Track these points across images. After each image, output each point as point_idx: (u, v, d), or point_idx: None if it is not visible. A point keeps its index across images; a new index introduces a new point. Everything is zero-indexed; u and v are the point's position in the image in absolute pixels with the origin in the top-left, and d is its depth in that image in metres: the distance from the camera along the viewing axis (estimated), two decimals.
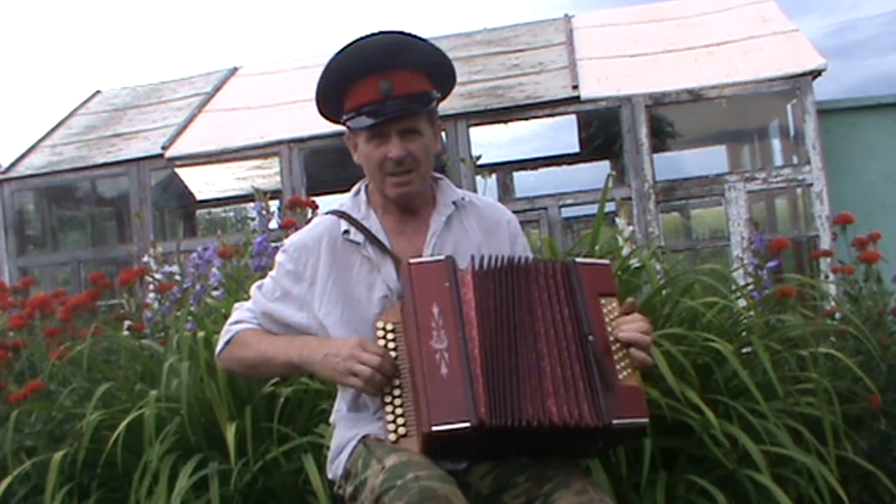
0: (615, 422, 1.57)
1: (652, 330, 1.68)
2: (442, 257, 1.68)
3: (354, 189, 1.88)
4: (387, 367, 1.64)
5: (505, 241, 1.85)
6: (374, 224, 1.80)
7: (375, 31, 1.74)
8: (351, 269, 1.78)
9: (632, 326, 1.65)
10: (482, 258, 1.68)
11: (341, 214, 1.82)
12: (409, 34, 1.76)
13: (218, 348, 1.88)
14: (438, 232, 1.80)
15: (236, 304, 1.92)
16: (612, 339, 1.64)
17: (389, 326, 1.68)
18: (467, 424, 1.53)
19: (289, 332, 1.82)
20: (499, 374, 1.58)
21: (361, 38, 1.74)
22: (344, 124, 1.80)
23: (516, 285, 1.66)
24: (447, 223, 1.82)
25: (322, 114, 1.85)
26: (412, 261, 1.68)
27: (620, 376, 1.62)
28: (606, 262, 1.78)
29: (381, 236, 1.79)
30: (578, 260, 1.71)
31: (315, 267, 1.79)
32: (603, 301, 1.68)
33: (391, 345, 1.67)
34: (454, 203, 1.84)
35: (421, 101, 1.74)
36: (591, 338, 1.62)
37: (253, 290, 1.89)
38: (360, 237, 1.78)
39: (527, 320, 1.64)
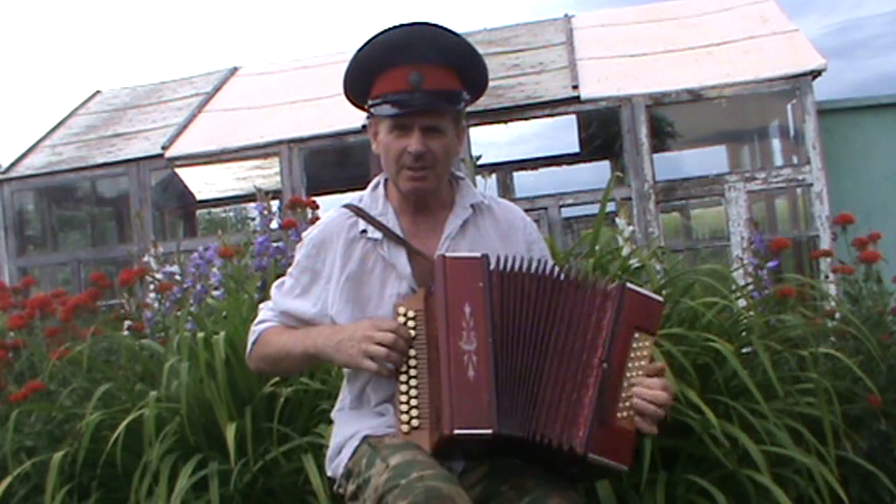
0: (591, 456, 1.53)
1: (670, 399, 1.60)
2: (478, 255, 1.64)
3: (373, 183, 1.85)
4: (401, 345, 1.62)
5: (521, 246, 1.80)
6: (391, 220, 1.78)
7: (410, 21, 1.71)
8: (364, 267, 1.75)
9: (650, 395, 1.57)
10: (506, 259, 1.65)
11: (357, 210, 1.80)
12: (447, 29, 1.72)
13: (247, 350, 1.89)
14: (453, 235, 1.77)
15: (261, 305, 1.92)
16: (627, 374, 1.58)
17: (411, 313, 1.66)
18: (489, 431, 1.52)
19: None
20: (513, 384, 1.57)
21: (395, 27, 1.70)
22: (367, 110, 1.76)
23: (541, 292, 1.63)
24: (463, 226, 1.78)
25: (347, 97, 1.81)
26: (448, 255, 1.65)
27: (619, 415, 1.56)
28: (660, 298, 1.69)
29: (398, 232, 1.77)
30: (629, 285, 1.63)
31: (332, 263, 1.77)
32: (637, 335, 1.60)
33: (411, 332, 1.64)
34: (472, 206, 1.81)
35: (449, 99, 1.71)
36: (605, 365, 1.57)
37: (273, 289, 1.88)
38: (377, 234, 1.76)
39: (544, 330, 1.61)
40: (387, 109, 1.70)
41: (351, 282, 1.75)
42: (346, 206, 1.83)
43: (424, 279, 1.70)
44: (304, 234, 1.88)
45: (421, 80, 1.66)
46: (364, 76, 1.74)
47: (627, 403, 1.57)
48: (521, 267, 1.65)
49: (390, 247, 1.76)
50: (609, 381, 1.56)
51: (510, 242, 1.80)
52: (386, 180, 1.83)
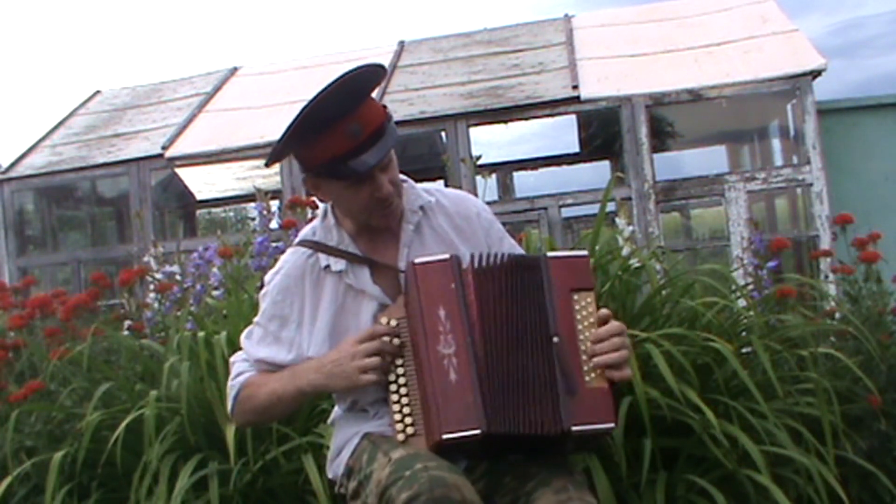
0: (574, 428, 1.54)
1: (627, 339, 1.62)
2: (447, 256, 1.64)
3: (321, 212, 1.81)
4: (388, 346, 1.63)
5: (479, 236, 1.80)
6: (349, 247, 1.76)
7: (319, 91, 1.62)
8: (337, 301, 1.75)
9: (607, 345, 1.59)
10: (482, 256, 1.65)
11: (316, 245, 1.77)
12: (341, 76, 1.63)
13: (229, 408, 1.84)
14: (409, 243, 1.76)
15: (231, 358, 1.88)
16: (581, 337, 1.60)
17: (394, 322, 1.66)
18: (477, 432, 1.53)
19: None
20: (497, 380, 1.58)
21: (308, 103, 1.63)
22: (315, 175, 1.70)
23: (519, 285, 1.63)
24: (417, 231, 1.77)
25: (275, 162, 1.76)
26: (417, 261, 1.64)
27: (587, 378, 1.58)
28: (583, 253, 1.71)
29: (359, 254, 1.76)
30: (550, 254, 1.66)
31: (301, 307, 1.76)
32: (576, 297, 1.62)
33: (396, 340, 1.65)
34: (421, 207, 1.79)
35: (389, 127, 1.66)
36: (555, 339, 1.58)
37: (242, 340, 1.85)
38: (340, 264, 1.75)
39: (525, 321, 1.62)
40: (351, 170, 1.63)
41: (328, 319, 1.74)
42: (301, 242, 1.80)
43: (396, 292, 1.70)
44: (265, 280, 1.84)
45: (360, 128, 1.62)
46: (302, 143, 1.67)
47: (591, 364, 1.59)
48: (495, 261, 1.65)
49: (356, 273, 1.74)
50: (565, 351, 1.58)
51: (467, 235, 1.79)
52: (332, 207, 1.80)
